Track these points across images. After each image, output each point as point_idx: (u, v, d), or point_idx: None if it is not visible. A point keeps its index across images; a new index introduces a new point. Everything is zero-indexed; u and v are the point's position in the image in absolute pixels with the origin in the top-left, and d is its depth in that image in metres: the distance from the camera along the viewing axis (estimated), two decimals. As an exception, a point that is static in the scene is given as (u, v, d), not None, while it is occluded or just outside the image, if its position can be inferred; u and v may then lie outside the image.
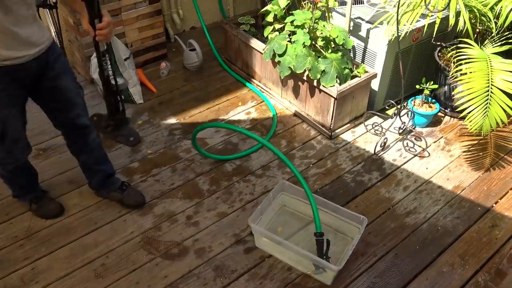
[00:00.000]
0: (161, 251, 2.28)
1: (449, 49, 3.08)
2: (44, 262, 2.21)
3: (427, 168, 2.80)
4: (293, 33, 2.90)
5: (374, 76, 2.95)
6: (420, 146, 2.94)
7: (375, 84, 3.05)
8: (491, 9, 2.81)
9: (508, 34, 2.85)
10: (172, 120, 3.10)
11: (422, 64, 3.21)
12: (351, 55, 3.12)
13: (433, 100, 3.06)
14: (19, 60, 1.78)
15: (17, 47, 1.75)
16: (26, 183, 2.37)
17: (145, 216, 2.45)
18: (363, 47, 3.04)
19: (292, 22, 2.90)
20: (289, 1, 3.05)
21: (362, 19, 3.02)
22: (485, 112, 2.58)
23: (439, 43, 3.10)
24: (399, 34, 2.68)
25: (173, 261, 2.24)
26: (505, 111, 2.58)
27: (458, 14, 2.73)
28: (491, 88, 2.61)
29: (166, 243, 2.32)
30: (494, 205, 2.59)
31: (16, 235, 2.33)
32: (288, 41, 2.90)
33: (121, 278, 2.16)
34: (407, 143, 2.94)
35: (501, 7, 2.73)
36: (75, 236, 2.33)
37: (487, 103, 2.59)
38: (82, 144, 2.26)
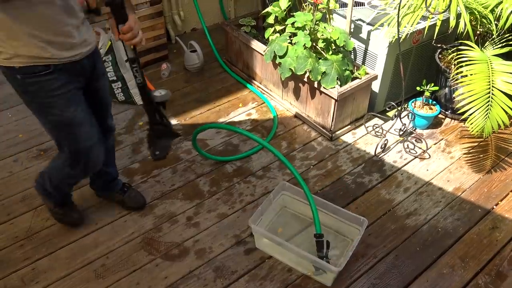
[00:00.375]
0: (161, 251, 2.28)
1: (449, 51, 3.08)
2: (45, 263, 2.21)
3: (427, 170, 2.80)
4: (294, 34, 2.91)
5: (375, 78, 2.95)
6: (420, 148, 2.94)
7: (375, 86, 3.06)
8: (492, 11, 2.81)
9: (509, 36, 2.86)
10: (173, 121, 3.10)
11: (423, 66, 3.21)
12: (352, 57, 3.13)
13: (434, 102, 3.06)
14: (75, 58, 1.77)
15: (75, 47, 1.76)
16: (68, 189, 2.31)
17: (146, 217, 2.45)
18: (363, 49, 3.04)
19: (293, 23, 2.91)
20: (290, 2, 3.05)
21: (363, 21, 3.02)
22: (487, 114, 2.58)
23: (439, 45, 3.10)
24: (400, 36, 2.69)
25: (174, 262, 2.24)
26: (506, 112, 2.58)
27: (458, 16, 2.73)
28: (492, 90, 2.61)
29: (166, 243, 2.32)
30: (494, 207, 2.59)
31: (17, 235, 2.33)
32: (289, 42, 2.91)
33: (122, 278, 2.16)
34: (407, 145, 2.94)
35: (502, 9, 2.74)
36: (76, 237, 2.33)
37: (488, 105, 2.59)
38: None
